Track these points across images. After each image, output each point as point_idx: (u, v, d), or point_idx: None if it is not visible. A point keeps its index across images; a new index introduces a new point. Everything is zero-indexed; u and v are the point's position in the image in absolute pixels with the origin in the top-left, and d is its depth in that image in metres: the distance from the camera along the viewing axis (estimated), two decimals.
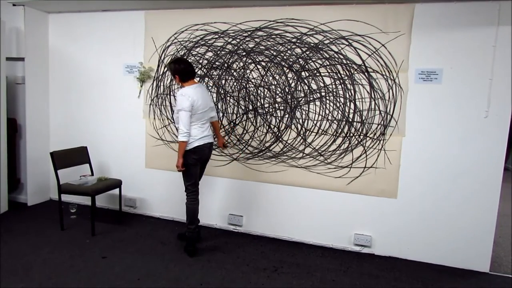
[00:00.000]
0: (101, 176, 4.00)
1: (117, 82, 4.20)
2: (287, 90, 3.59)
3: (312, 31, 3.45)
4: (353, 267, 3.23)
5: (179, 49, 3.89)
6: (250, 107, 3.72)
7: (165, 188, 4.08)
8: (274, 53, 3.58)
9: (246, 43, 3.66)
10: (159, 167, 4.07)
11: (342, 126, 3.47)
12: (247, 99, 3.72)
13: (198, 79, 3.71)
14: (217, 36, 3.74)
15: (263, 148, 3.72)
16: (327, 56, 3.44)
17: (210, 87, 3.82)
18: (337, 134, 3.49)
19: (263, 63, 3.63)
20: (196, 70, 3.48)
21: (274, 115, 3.65)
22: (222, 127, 3.83)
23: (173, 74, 3.19)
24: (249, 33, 3.63)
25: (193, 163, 3.21)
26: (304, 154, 3.60)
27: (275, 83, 3.62)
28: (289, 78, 3.57)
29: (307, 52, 3.48)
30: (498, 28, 3.00)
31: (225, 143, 3.63)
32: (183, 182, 3.31)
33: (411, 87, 3.26)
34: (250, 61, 3.67)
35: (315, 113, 3.53)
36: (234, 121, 3.78)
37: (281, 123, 3.64)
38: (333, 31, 3.39)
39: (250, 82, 3.70)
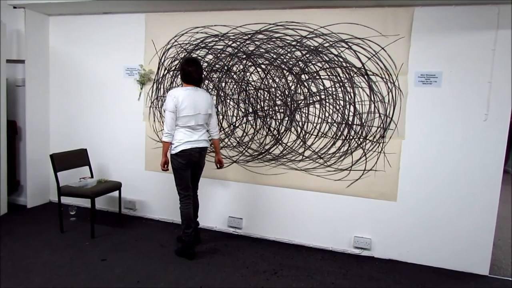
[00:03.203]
0: (100, 178, 4.01)
1: (117, 84, 4.21)
2: (287, 93, 3.60)
3: (312, 34, 3.46)
4: (353, 270, 3.23)
5: (179, 52, 3.90)
6: (250, 110, 3.73)
7: (165, 191, 4.08)
8: (274, 56, 3.59)
9: (246, 46, 3.67)
10: (159, 169, 4.04)
11: (341, 129, 3.48)
12: (247, 102, 3.73)
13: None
14: (217, 39, 3.75)
15: (263, 151, 3.72)
16: (327, 59, 3.45)
17: (210, 90, 3.83)
18: (337, 137, 3.50)
19: (263, 66, 3.64)
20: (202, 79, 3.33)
21: (274, 117, 3.66)
22: (222, 129, 3.83)
23: (179, 69, 3.22)
24: (249, 36, 3.64)
25: (180, 168, 3.18)
26: (303, 157, 3.60)
27: (275, 85, 3.63)
28: (289, 81, 3.58)
29: (307, 55, 3.49)
30: (498, 32, 3.01)
31: (221, 161, 3.48)
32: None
33: (410, 90, 3.27)
34: (250, 63, 3.68)
35: (315, 116, 3.54)
36: (234, 124, 3.79)
37: (281, 125, 3.64)
38: (333, 34, 3.40)
39: (250, 85, 3.70)
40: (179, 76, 3.26)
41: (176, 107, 3.06)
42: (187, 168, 3.22)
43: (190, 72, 3.13)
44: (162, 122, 4.04)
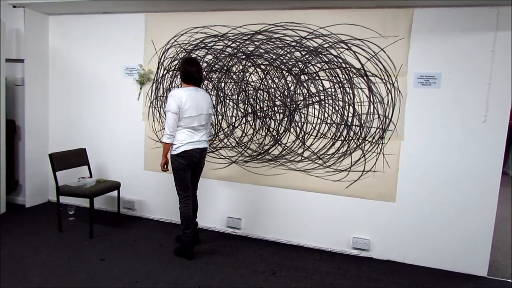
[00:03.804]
0: (99, 178, 4.01)
1: (117, 84, 4.21)
2: (286, 94, 3.60)
3: (311, 35, 3.46)
4: (352, 270, 3.23)
5: (178, 52, 3.90)
6: (249, 110, 3.73)
7: (164, 191, 4.08)
8: (274, 57, 3.59)
9: (246, 46, 3.67)
10: (157, 169, 4.05)
11: (341, 130, 3.48)
12: (246, 102, 3.73)
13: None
14: (216, 39, 3.75)
15: (262, 151, 3.72)
16: (326, 60, 3.45)
17: (209, 90, 3.83)
18: (336, 138, 3.50)
19: (262, 66, 3.64)
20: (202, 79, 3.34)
21: (273, 118, 3.66)
22: (221, 129, 3.83)
23: (179, 69, 3.21)
24: (248, 36, 3.65)
25: (181, 168, 3.17)
26: (303, 157, 3.60)
27: (275, 86, 3.63)
28: (288, 82, 3.58)
29: (307, 56, 3.50)
30: (497, 33, 3.02)
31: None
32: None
33: (410, 91, 3.27)
34: (249, 64, 3.68)
35: (314, 117, 3.54)
36: (233, 124, 3.79)
37: (280, 126, 3.65)
38: (333, 35, 3.40)
39: (249, 85, 3.71)
40: (179, 77, 3.25)
41: (180, 108, 3.04)
42: (187, 168, 3.21)
43: (192, 72, 3.12)
44: (162, 122, 4.03)
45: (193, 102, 3.08)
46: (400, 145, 3.33)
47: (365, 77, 3.37)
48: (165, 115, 3.11)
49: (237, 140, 3.79)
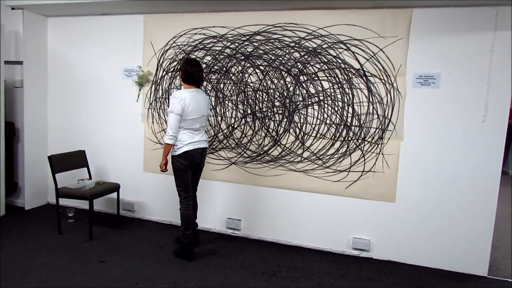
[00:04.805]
0: (99, 180, 3.99)
1: (116, 85, 4.20)
2: (285, 94, 3.60)
3: (310, 36, 3.46)
4: (352, 271, 3.23)
5: (177, 53, 3.90)
6: (249, 111, 3.73)
7: (163, 192, 4.07)
8: (273, 57, 3.59)
9: (245, 47, 3.67)
10: (157, 171, 4.03)
11: (340, 130, 3.48)
12: (245, 103, 3.73)
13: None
14: (215, 40, 3.75)
15: (262, 152, 3.72)
16: (325, 60, 3.45)
17: (208, 91, 3.83)
18: (335, 138, 3.50)
19: (261, 67, 3.64)
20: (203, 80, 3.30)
21: (273, 119, 3.66)
22: (220, 130, 3.83)
23: (180, 70, 3.19)
24: (247, 37, 3.65)
25: (182, 169, 3.17)
26: (302, 158, 3.60)
27: (274, 87, 3.63)
28: (287, 82, 3.58)
29: (306, 56, 3.49)
30: (496, 33, 3.02)
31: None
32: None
33: (409, 91, 3.27)
34: (248, 65, 3.68)
35: (313, 117, 3.54)
36: (232, 125, 3.79)
37: (279, 127, 3.64)
38: (331, 36, 3.40)
39: (248, 86, 3.70)
40: (179, 77, 3.25)
41: (183, 109, 3.04)
42: (189, 169, 3.21)
43: (193, 72, 3.12)
44: (161, 124, 4.03)
45: (195, 104, 3.09)
46: (400, 145, 3.33)
47: (364, 78, 3.37)
48: (166, 116, 3.09)
49: (236, 141, 3.79)
